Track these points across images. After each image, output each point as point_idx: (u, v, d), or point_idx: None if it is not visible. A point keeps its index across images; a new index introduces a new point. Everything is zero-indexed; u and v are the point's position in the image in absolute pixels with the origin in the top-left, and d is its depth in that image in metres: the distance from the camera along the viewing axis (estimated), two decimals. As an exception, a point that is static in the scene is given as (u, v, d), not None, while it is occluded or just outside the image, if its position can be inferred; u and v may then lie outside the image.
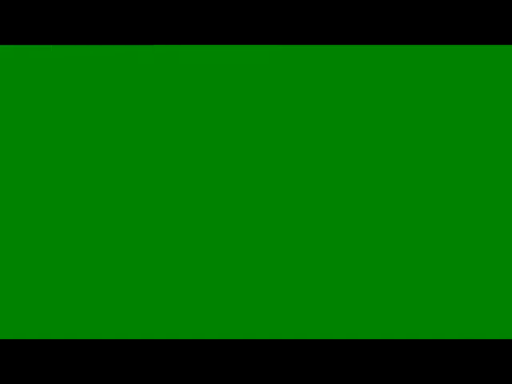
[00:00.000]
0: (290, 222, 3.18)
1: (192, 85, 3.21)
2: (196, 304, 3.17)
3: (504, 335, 3.15)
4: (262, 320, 3.17)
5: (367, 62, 3.20)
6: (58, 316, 3.17)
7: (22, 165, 3.20)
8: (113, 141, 3.20)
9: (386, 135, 3.20)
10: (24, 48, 3.21)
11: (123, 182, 3.20)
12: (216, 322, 3.17)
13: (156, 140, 3.20)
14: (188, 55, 3.21)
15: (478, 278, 3.16)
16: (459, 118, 3.19)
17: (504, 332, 3.15)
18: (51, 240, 3.17)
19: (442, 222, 3.17)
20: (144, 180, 3.20)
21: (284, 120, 3.20)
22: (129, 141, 3.20)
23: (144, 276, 3.18)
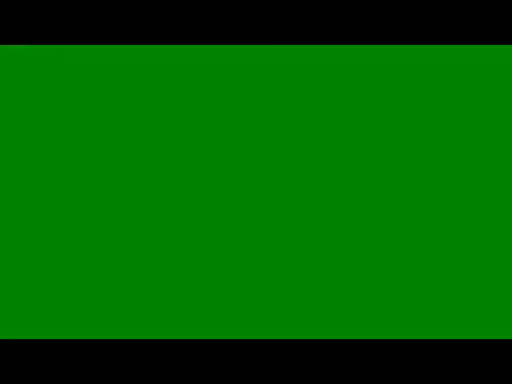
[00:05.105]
0: (290, 222, 3.18)
1: (192, 85, 3.21)
2: (196, 304, 3.17)
3: (504, 335, 3.15)
4: (262, 320, 3.17)
5: (367, 62, 3.20)
6: (58, 316, 3.17)
7: (23, 165, 3.20)
8: (113, 141, 3.20)
9: (386, 135, 3.20)
10: (24, 48, 3.22)
11: (123, 181, 3.20)
12: (216, 322, 3.17)
13: (156, 140, 3.20)
14: (188, 55, 3.21)
15: (478, 277, 3.16)
16: (459, 117, 3.20)
17: (504, 332, 3.15)
18: (51, 240, 3.18)
19: (442, 222, 3.18)
20: (144, 180, 3.20)
21: (284, 120, 3.20)
22: (129, 141, 3.20)
23: (144, 276, 3.18)
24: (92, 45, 3.21)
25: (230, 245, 3.18)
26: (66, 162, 3.20)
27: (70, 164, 3.20)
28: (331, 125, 3.20)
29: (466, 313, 3.16)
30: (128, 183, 3.20)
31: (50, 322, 3.17)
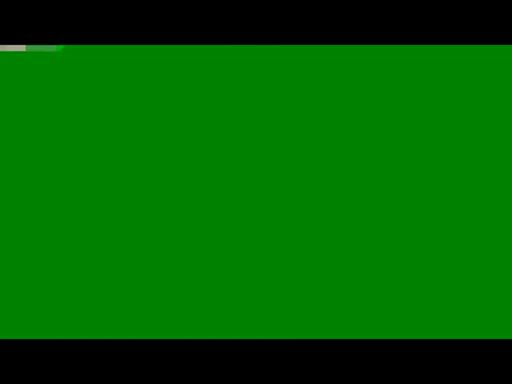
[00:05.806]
0: (290, 222, 3.18)
1: (192, 85, 3.21)
2: (196, 304, 3.18)
3: (504, 335, 3.15)
4: (262, 320, 3.17)
5: (367, 62, 3.20)
6: (58, 316, 3.17)
7: (24, 166, 3.20)
8: (113, 141, 3.20)
9: (386, 135, 3.20)
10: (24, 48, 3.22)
11: (123, 181, 3.20)
12: (216, 322, 3.17)
13: (156, 140, 3.20)
14: (188, 55, 3.21)
15: (478, 277, 3.16)
16: (459, 117, 3.20)
17: (504, 332, 3.15)
18: (51, 240, 3.18)
19: (442, 222, 3.18)
20: (144, 179, 3.20)
21: (284, 120, 3.21)
22: (129, 141, 3.20)
23: (144, 276, 3.18)
24: (92, 45, 3.21)
25: (229, 245, 3.18)
26: (66, 162, 3.20)
27: (69, 165, 3.20)
28: (331, 124, 3.20)
29: (466, 313, 3.16)
30: (128, 183, 3.20)
31: (50, 322, 3.17)
